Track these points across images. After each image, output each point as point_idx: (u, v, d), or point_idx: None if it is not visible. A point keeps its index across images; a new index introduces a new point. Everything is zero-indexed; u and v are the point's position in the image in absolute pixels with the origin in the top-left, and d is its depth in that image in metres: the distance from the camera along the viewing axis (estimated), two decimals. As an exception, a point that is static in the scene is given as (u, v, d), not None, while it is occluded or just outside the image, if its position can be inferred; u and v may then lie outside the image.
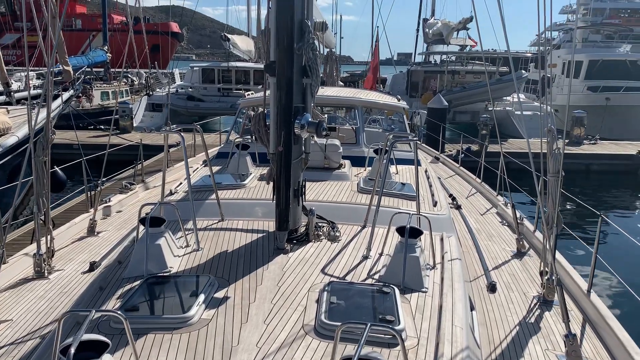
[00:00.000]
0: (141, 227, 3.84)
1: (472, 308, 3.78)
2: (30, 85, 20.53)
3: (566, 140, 19.23)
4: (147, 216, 3.66)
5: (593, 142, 19.38)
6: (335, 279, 3.44)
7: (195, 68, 28.37)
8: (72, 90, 16.97)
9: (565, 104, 23.93)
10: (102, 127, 19.12)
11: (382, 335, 2.68)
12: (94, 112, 21.54)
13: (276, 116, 3.94)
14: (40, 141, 4.49)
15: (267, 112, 4.30)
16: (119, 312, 2.43)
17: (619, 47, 29.31)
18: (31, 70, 21.45)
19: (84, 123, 18.96)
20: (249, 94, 9.36)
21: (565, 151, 16.05)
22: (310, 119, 4.01)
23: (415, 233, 3.55)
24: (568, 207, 13.53)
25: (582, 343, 3.84)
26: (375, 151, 6.12)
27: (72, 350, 1.96)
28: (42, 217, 4.77)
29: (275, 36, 3.88)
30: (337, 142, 6.15)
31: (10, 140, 10.30)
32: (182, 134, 4.70)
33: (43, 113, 12.44)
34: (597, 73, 25.90)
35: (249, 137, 7.15)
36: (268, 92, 4.14)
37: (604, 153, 18.00)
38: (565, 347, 3.57)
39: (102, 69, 29.83)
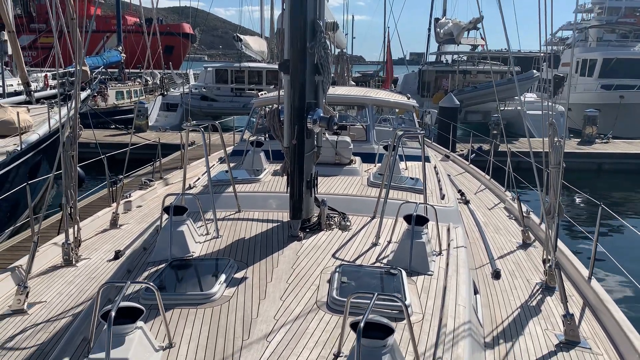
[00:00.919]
0: (164, 216, 4.10)
1: (476, 292, 3.99)
2: (48, 84, 21.04)
3: (574, 139, 19.28)
4: (171, 205, 3.91)
5: (605, 140, 19.34)
6: (345, 263, 3.67)
7: (209, 69, 28.71)
8: (89, 90, 17.38)
9: (578, 102, 23.91)
10: (118, 126, 19.52)
11: (389, 310, 2.90)
12: (108, 112, 21.96)
13: (290, 111, 4.18)
14: (69, 136, 4.76)
15: (281, 109, 4.54)
16: (151, 283, 2.68)
17: (634, 45, 29.17)
18: (48, 71, 21.92)
19: (100, 122, 19.36)
20: (262, 94, 9.62)
21: (577, 150, 16.03)
22: (322, 114, 4.24)
23: (422, 221, 3.77)
24: (576, 201, 13.65)
25: (581, 325, 4.02)
26: (385, 148, 6.34)
27: (113, 313, 2.21)
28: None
29: (289, 36, 4.11)
30: (347, 138, 6.38)
31: (32, 137, 10.67)
32: (202, 130, 4.96)
33: (64, 111, 12.81)
34: (611, 71, 25.82)
35: (263, 134, 7.42)
36: (282, 90, 4.38)
37: (616, 152, 17.95)
38: (564, 326, 3.76)
39: (116, 69, 30.37)
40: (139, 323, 2.50)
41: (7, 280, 4.45)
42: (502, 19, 4.87)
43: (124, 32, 33.12)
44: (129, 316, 2.45)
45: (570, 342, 3.71)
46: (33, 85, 19.43)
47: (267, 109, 5.60)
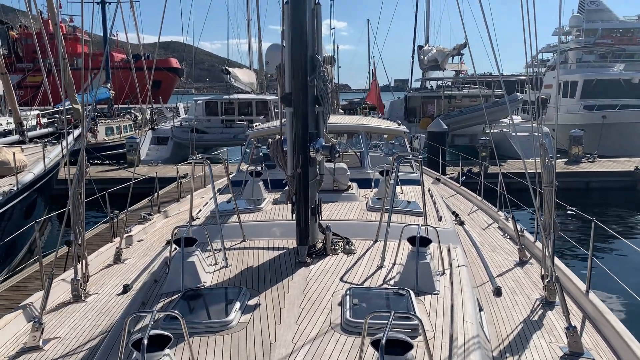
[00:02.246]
0: (174, 247, 4.21)
1: (480, 309, 4.12)
2: (41, 123, 21.15)
3: (560, 159, 19.67)
4: (182, 237, 4.03)
5: (591, 159, 19.76)
6: (354, 286, 3.79)
7: (198, 101, 29.03)
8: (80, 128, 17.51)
9: (562, 123, 24.47)
10: (108, 161, 19.66)
11: (403, 330, 3.02)
12: (99, 147, 22.08)
13: (293, 141, 4.35)
14: (77, 173, 4.87)
15: (284, 139, 4.71)
16: (176, 311, 2.78)
17: (613, 66, 30.02)
18: (41, 110, 22.07)
19: (92, 158, 19.45)
20: (256, 125, 9.83)
21: (565, 169, 16.33)
22: (323, 143, 4.42)
23: (425, 242, 3.91)
24: (569, 218, 13.89)
25: (582, 336, 4.16)
26: (381, 172, 6.51)
27: (145, 341, 2.31)
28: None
29: (290, 70, 4.31)
30: (344, 165, 6.55)
31: (28, 177, 10.74)
32: (209, 162, 5.11)
33: (57, 149, 12.82)
34: (592, 92, 26.54)
35: (260, 164, 7.57)
36: (283, 120, 4.55)
37: (603, 170, 18.37)
38: (567, 338, 3.90)
39: (105, 106, 30.56)
40: (167, 350, 2.60)
41: (19, 318, 4.50)
42: (491, 43, 5.13)
43: (112, 69, 33.45)
44: (155, 344, 2.55)
45: (574, 353, 3.84)
46: (25, 125, 19.57)
47: (269, 140, 5.77)
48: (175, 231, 4.34)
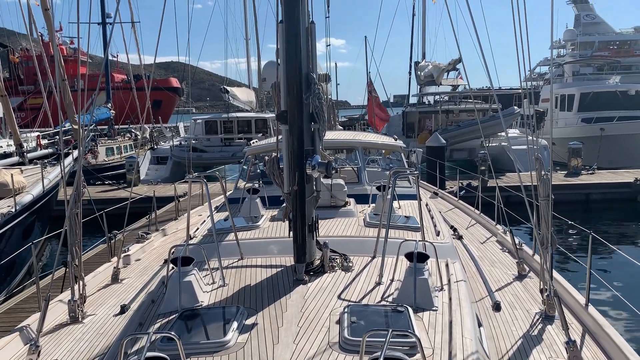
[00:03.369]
0: (171, 267, 4.19)
1: (480, 324, 4.09)
2: (41, 145, 21.21)
3: (560, 171, 19.69)
4: (179, 256, 4.02)
5: (591, 172, 19.77)
6: (352, 303, 3.77)
7: (198, 120, 29.15)
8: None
9: (561, 136, 24.54)
10: (110, 182, 19.65)
11: (401, 347, 3.00)
12: (99, 168, 22.13)
13: (289, 158, 4.36)
14: (73, 194, 4.88)
15: (280, 156, 4.72)
16: (172, 332, 2.76)
17: (609, 78, 30.19)
18: (40, 131, 22.14)
19: (92, 179, 19.47)
20: (253, 142, 9.85)
21: (564, 182, 16.32)
22: (319, 160, 4.43)
23: (423, 258, 3.90)
24: (568, 231, 13.87)
25: (582, 351, 4.12)
26: (378, 188, 6.51)
27: None
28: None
29: (285, 88, 4.34)
30: (341, 181, 6.56)
31: (26, 198, 10.75)
32: (205, 181, 5.12)
33: (56, 170, 12.83)
34: (589, 105, 26.67)
35: (257, 182, 7.56)
36: (279, 137, 4.57)
37: (603, 182, 18.35)
38: (567, 353, 3.86)
39: (106, 126, 30.70)
40: None
41: (16, 340, 4.47)
42: (484, 57, 5.16)
43: (112, 89, 33.68)
44: None
45: None
46: (25, 146, 19.63)
47: (265, 157, 5.79)
48: (173, 250, 4.32)
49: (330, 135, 8.98)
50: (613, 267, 11.19)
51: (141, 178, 21.52)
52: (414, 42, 32.19)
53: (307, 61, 4.41)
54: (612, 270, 10.88)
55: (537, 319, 4.65)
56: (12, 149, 17.85)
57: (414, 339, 3.05)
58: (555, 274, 5.31)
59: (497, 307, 4.88)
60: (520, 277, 5.88)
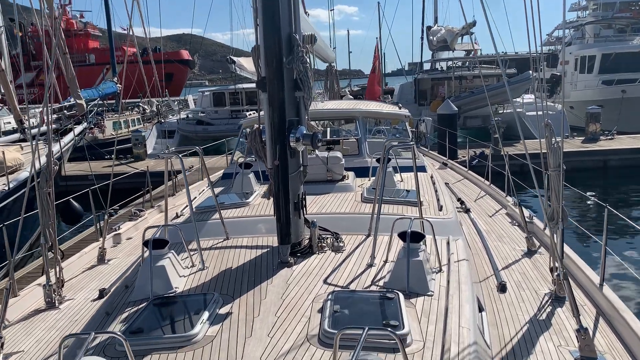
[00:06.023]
0: (146, 251, 3.86)
1: (481, 309, 3.71)
2: (46, 120, 20.98)
3: (578, 138, 18.98)
4: (150, 239, 3.68)
5: (610, 137, 19.06)
6: (339, 289, 3.41)
7: (205, 93, 28.74)
8: (85, 123, 17.32)
9: (580, 99, 23.65)
10: (111, 156, 19.43)
11: (386, 340, 2.64)
12: (107, 142, 21.91)
13: (270, 131, 3.96)
14: (44, 173, 4.55)
15: (263, 128, 4.31)
16: (118, 333, 2.44)
17: (632, 39, 28.94)
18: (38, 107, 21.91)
19: (98, 154, 19.27)
20: (249, 114, 9.43)
21: (582, 148, 15.71)
22: (305, 132, 4.01)
23: (418, 237, 3.51)
24: (581, 202, 13.35)
25: (595, 337, 3.73)
26: (378, 160, 6.10)
27: None
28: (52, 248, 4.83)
29: (264, 52, 3.90)
30: (338, 154, 6.15)
31: (22, 175, 10.54)
32: (182, 157, 4.74)
33: (57, 147, 12.60)
34: (610, 67, 25.60)
35: (251, 155, 7.18)
36: (260, 108, 4.16)
37: (622, 148, 17.67)
38: (578, 341, 3.48)
39: (113, 100, 30.41)
40: None
41: None
42: (494, 23, 4.67)
43: (119, 63, 33.27)
44: None
45: (586, 358, 3.41)
46: (32, 122, 19.44)
47: (248, 130, 5.40)
48: (146, 231, 3.98)
49: (330, 105, 8.53)
50: (632, 243, 10.60)
51: (148, 152, 21.27)
52: (425, 6, 31.23)
53: (290, 20, 3.95)
54: (630, 247, 10.32)
55: (546, 301, 4.25)
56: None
57: (400, 332, 2.70)
58: (567, 250, 4.89)
59: (502, 288, 4.48)
60: (530, 253, 5.47)
